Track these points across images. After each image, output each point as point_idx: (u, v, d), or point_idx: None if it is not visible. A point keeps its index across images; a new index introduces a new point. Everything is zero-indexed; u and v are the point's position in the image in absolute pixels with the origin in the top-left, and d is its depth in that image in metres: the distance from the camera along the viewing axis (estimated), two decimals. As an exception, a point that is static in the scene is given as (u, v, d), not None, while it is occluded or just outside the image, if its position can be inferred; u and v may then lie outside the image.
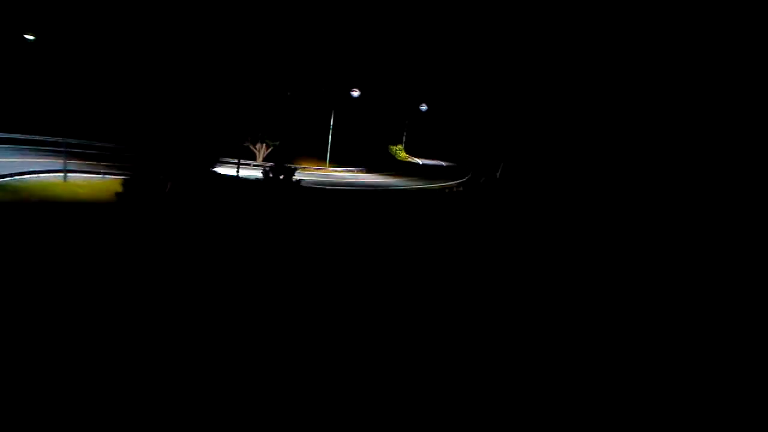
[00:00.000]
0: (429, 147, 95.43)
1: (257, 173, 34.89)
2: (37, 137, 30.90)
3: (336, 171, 52.95)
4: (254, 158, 47.49)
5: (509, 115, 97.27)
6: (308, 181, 40.80)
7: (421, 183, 53.49)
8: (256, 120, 45.14)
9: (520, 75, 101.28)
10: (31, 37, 37.05)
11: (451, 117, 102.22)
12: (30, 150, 30.70)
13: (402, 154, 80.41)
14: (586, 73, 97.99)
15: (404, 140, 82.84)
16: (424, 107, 78.38)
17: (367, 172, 56.60)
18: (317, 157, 54.86)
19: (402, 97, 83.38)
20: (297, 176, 41.65)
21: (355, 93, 50.99)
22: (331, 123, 51.41)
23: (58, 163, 27.88)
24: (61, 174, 27.05)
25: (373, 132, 73.82)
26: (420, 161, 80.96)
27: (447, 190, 50.67)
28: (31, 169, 26.28)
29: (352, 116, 66.80)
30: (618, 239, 27.62)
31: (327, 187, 40.78)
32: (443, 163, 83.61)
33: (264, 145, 47.48)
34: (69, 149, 28.33)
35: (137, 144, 28.46)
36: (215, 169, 32.89)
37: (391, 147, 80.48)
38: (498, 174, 63.63)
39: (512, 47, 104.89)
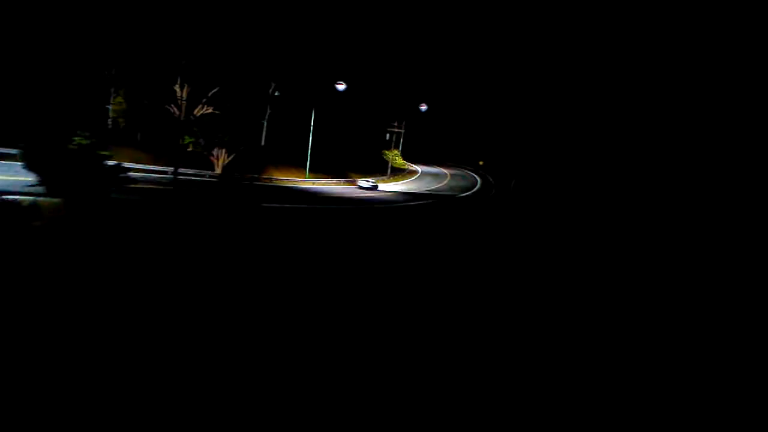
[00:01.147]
0: (428, 151, 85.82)
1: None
2: None
3: (318, 183, 42.97)
4: (212, 168, 37.47)
5: (519, 119, 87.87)
6: (283, 198, 30.78)
7: (424, 196, 43.71)
8: (210, 120, 35.24)
9: (530, 74, 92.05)
10: None
11: (451, 119, 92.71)
12: None
13: (399, 161, 70.63)
14: (599, 74, 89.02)
15: (401, 145, 73.08)
16: (424, 107, 68.69)
17: (356, 183, 46.68)
18: (296, 165, 44.93)
19: (398, 97, 73.80)
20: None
21: (341, 86, 41.24)
22: (312, 123, 41.54)
23: None
24: None
25: (365, 136, 64.01)
26: (419, 169, 71.23)
27: (458, 204, 40.92)
28: None
29: (339, 117, 57.08)
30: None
31: (300, 206, 30.79)
32: (446, 171, 73.91)
33: (224, 151, 37.44)
34: None
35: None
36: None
37: (386, 152, 70.70)
38: (512, 185, 53.92)
39: (519, 44, 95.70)
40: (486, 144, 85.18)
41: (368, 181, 46.02)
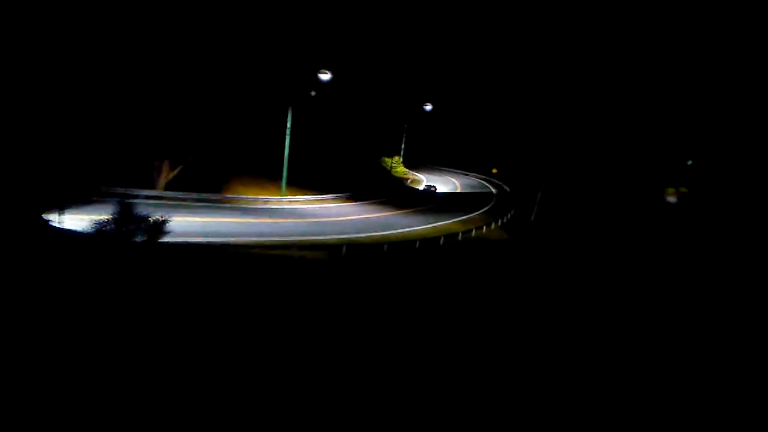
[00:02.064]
0: (431, 156, 76.32)
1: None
2: None
3: (298, 202, 33.35)
4: (152, 184, 27.75)
5: (542, 120, 78.23)
6: (233, 232, 20.79)
7: (434, 219, 34.08)
8: (146, 119, 25.59)
9: (554, 66, 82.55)
10: None
11: (458, 120, 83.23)
12: None
13: (400, 169, 61.11)
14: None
15: (402, 150, 63.51)
16: (428, 107, 59.27)
17: (349, 200, 37.11)
18: (269, 177, 35.37)
19: (397, 94, 64.32)
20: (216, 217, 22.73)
21: (326, 76, 31.82)
22: (288, 125, 31.94)
23: None
24: None
25: (358, 139, 54.42)
26: (424, 177, 61.70)
27: (474, 232, 31.30)
28: None
29: (326, 117, 47.62)
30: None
31: (261, 241, 21.05)
32: (454, 180, 64.37)
33: (167, 162, 27.75)
34: None
35: None
36: None
37: (385, 159, 61.17)
38: (537, 198, 44.35)
39: (535, 32, 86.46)
40: (499, 149, 75.61)
41: (429, 186, 51.79)
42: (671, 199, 66.23)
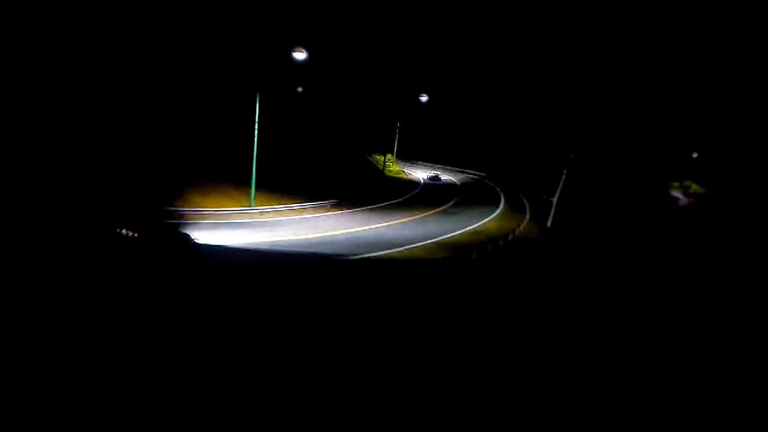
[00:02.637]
0: (424, 152, 70.31)
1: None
2: None
3: (269, 213, 27.05)
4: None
5: (550, 111, 72.42)
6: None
7: (437, 231, 28.00)
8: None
9: (563, 51, 76.72)
10: None
11: (454, 114, 77.30)
12: None
13: (393, 168, 54.98)
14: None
15: (396, 147, 57.35)
16: (424, 98, 53.15)
17: (335, 208, 30.88)
18: (237, 182, 29.01)
19: (390, 85, 58.19)
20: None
21: (301, 55, 25.69)
22: (257, 116, 25.61)
23: None
24: None
25: (346, 136, 48.17)
26: (420, 177, 55.64)
27: (491, 246, 25.26)
28: None
29: (308, 111, 41.39)
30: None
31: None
32: (453, 179, 58.43)
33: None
34: None
35: None
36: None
37: (377, 157, 55.01)
38: (554, 201, 38.50)
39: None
40: (499, 145, 69.82)
41: (433, 174, 52.92)
42: (676, 194, 61.20)
